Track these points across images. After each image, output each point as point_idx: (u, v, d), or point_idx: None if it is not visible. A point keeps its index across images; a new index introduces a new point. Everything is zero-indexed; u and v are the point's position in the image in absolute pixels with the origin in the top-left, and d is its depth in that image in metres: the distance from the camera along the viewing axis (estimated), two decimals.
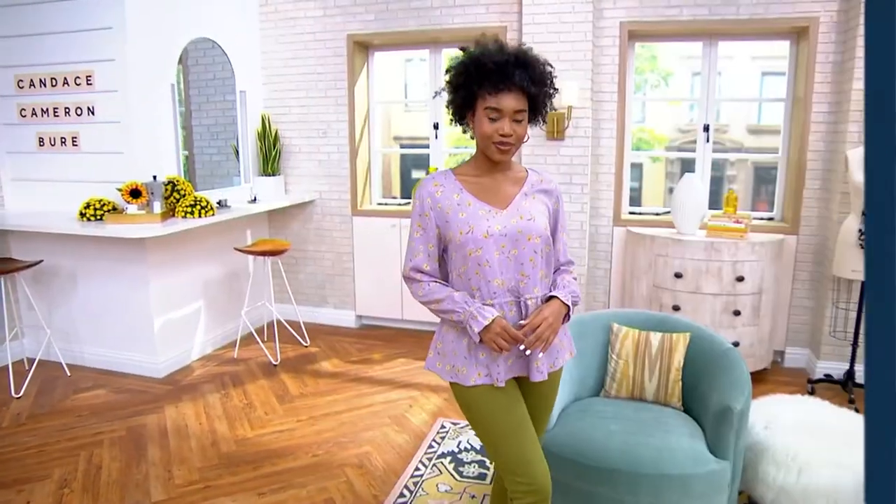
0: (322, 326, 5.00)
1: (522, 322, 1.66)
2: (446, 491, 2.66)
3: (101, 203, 3.67)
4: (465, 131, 1.77)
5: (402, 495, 2.63)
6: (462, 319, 1.65)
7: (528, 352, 1.66)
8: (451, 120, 1.77)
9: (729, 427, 2.13)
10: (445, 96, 1.74)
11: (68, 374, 3.93)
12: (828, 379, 3.70)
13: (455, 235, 1.67)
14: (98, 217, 3.65)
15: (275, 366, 4.14)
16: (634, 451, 2.13)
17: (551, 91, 1.71)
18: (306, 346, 4.53)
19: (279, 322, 4.64)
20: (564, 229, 1.85)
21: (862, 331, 3.68)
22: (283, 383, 3.86)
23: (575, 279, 1.83)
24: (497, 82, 1.60)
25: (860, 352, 3.71)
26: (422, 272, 1.74)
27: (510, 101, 1.62)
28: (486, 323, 1.61)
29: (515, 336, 1.62)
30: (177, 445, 3.08)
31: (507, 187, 1.74)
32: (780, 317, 4.07)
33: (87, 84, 3.79)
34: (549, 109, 1.75)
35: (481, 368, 1.68)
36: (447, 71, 1.72)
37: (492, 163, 1.73)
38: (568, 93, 3.94)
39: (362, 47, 4.75)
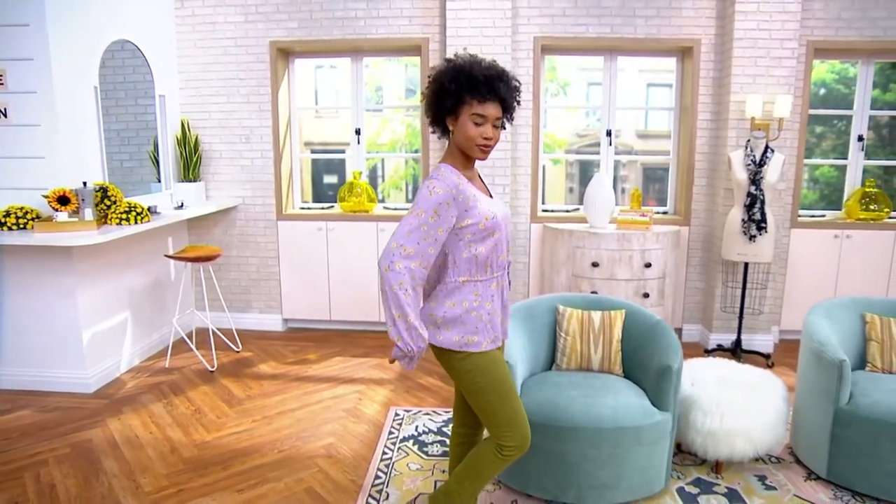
0: (249, 331, 4.97)
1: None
2: (417, 469, 2.85)
3: (24, 211, 3.46)
4: (433, 132, 2.00)
5: (377, 477, 2.79)
6: (403, 347, 1.81)
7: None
8: (429, 121, 1.97)
9: (669, 383, 2.53)
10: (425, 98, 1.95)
11: None
12: (720, 348, 4.32)
13: (480, 221, 1.87)
14: (21, 226, 3.44)
15: (212, 372, 4.09)
16: (594, 410, 2.47)
17: (517, 103, 1.98)
18: (238, 352, 4.50)
19: (207, 328, 4.56)
20: None
21: (746, 305, 4.34)
22: (225, 388, 3.84)
23: None
24: (485, 92, 1.85)
25: (745, 323, 4.37)
26: (412, 273, 1.79)
27: (493, 110, 1.88)
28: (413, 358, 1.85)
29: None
30: (133, 456, 3.01)
31: (479, 181, 2.07)
32: (678, 297, 4.67)
33: None
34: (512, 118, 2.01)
35: (489, 335, 1.95)
36: (434, 78, 1.91)
37: (468, 161, 1.98)
38: None
39: (283, 54, 4.80)
